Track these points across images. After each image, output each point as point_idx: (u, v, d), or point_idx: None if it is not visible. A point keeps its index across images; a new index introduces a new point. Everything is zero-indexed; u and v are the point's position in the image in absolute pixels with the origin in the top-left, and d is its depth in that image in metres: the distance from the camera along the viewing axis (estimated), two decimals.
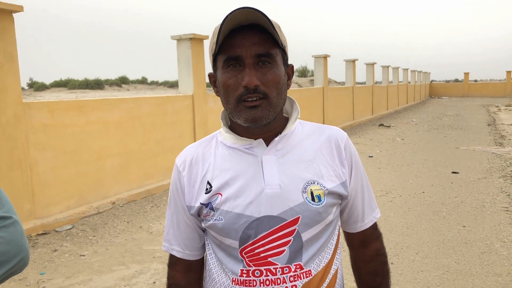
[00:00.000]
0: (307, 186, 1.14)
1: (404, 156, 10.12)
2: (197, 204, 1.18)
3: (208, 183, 1.18)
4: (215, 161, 1.20)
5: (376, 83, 23.04)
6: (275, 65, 1.13)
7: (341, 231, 1.31)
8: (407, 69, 30.74)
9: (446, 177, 7.75)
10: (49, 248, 4.77)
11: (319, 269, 1.15)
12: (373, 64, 21.61)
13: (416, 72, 34.89)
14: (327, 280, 1.17)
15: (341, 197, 1.21)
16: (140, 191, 6.81)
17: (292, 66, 1.25)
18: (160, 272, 4.07)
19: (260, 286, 1.12)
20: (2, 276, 1.02)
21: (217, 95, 1.23)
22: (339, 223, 1.27)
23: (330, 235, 1.19)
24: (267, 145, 1.18)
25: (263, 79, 1.11)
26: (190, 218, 1.23)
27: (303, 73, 39.51)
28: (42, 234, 5.18)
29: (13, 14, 5.04)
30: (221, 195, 1.15)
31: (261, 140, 1.18)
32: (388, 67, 25.18)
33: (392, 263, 4.14)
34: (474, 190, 6.80)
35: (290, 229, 1.12)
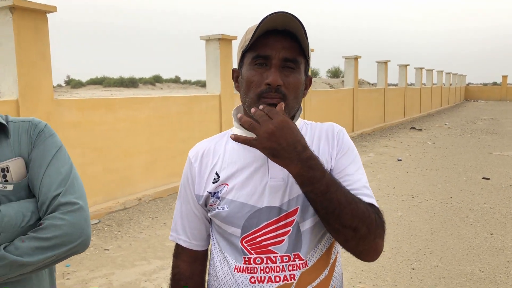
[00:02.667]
0: None
1: (434, 160, 9.92)
2: (205, 193, 1.26)
3: (216, 173, 1.25)
4: (224, 154, 1.28)
5: (409, 85, 22.66)
6: (298, 71, 1.20)
7: None
8: (441, 71, 30.06)
9: (476, 182, 7.56)
10: None
11: (317, 260, 1.20)
12: (406, 65, 21.24)
13: (451, 75, 34.07)
14: (325, 271, 1.21)
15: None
16: (166, 188, 6.93)
17: (311, 78, 1.31)
18: None
19: (260, 273, 1.17)
20: (64, 254, 1.17)
21: (237, 90, 1.30)
22: None
23: None
24: None
25: (286, 81, 1.18)
26: (198, 208, 1.30)
27: (336, 74, 39.20)
28: None
29: (46, 14, 5.22)
30: (227, 185, 1.22)
31: None
32: (421, 69, 24.71)
33: (413, 268, 4.08)
34: (505, 197, 6.60)
35: (290, 220, 1.18)
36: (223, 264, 1.24)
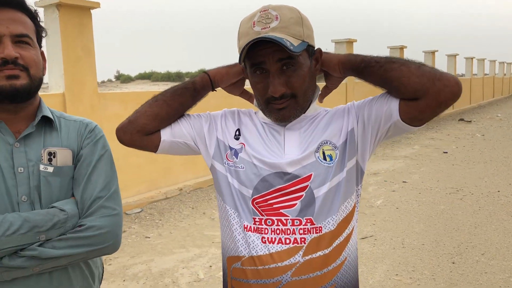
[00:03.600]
0: (320, 146, 1.25)
1: (482, 152, 9.54)
2: (226, 143, 1.34)
3: (238, 130, 1.35)
4: (248, 124, 1.37)
5: (459, 75, 21.82)
6: (298, 67, 1.22)
7: (359, 199, 1.35)
8: (494, 61, 28.74)
9: None
10: None
11: (331, 228, 1.22)
12: (455, 55, 20.46)
13: (505, 64, 32.49)
14: (338, 241, 1.23)
15: (353, 151, 1.27)
16: (207, 179, 7.04)
17: (320, 50, 1.32)
18: (217, 256, 4.22)
19: (271, 234, 1.21)
20: (95, 253, 1.27)
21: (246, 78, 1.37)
22: (358, 193, 1.32)
23: (344, 196, 1.25)
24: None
25: (289, 83, 1.21)
26: (199, 132, 1.39)
27: None
28: None
29: (90, 10, 5.41)
30: (244, 145, 1.30)
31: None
32: (472, 58, 23.71)
33: (453, 263, 3.97)
34: None
35: (303, 185, 1.22)
36: (236, 223, 1.27)
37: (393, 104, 1.21)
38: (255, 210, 1.24)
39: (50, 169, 1.26)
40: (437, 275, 3.74)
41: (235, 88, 1.43)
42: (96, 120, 5.49)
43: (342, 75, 1.31)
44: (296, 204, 1.21)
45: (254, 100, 1.36)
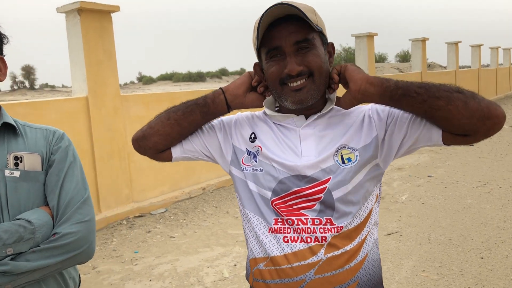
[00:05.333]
0: (338, 150, 1.24)
1: (510, 144, 9.31)
2: (242, 147, 1.35)
3: (254, 133, 1.35)
4: (263, 126, 1.37)
5: (484, 66, 21.32)
6: (314, 48, 1.23)
7: (379, 197, 1.35)
8: None
9: None
10: (144, 230, 5.18)
11: (350, 226, 1.22)
12: (479, 45, 20.00)
13: None
14: (359, 238, 1.23)
15: (374, 154, 1.25)
16: (229, 178, 7.04)
17: (332, 44, 1.34)
18: (241, 255, 4.23)
19: (293, 233, 1.22)
20: (69, 263, 1.25)
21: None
22: (378, 190, 1.32)
23: (364, 196, 1.25)
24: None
25: (305, 62, 1.22)
26: (213, 139, 1.40)
27: (405, 58, 37.73)
28: (139, 216, 5.63)
29: (111, 14, 5.48)
30: (261, 148, 1.30)
31: (302, 116, 1.31)
32: (497, 48, 23.13)
33: (482, 258, 3.89)
34: None
35: (321, 187, 1.22)
36: (259, 224, 1.28)
37: (435, 131, 1.17)
38: (275, 211, 1.25)
39: (17, 173, 1.23)
40: (465, 270, 3.67)
41: (257, 99, 1.36)
42: (119, 122, 5.61)
43: (358, 96, 1.19)
44: (315, 205, 1.22)
45: (265, 100, 1.36)
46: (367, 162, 1.25)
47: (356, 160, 1.23)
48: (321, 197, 1.21)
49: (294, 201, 1.23)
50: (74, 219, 1.25)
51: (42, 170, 1.29)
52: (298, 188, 1.23)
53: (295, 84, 1.22)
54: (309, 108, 1.29)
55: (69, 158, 1.33)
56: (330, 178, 1.22)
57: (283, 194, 1.24)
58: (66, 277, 1.34)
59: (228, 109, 1.35)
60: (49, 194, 1.28)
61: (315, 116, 1.29)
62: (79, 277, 1.45)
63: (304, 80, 1.22)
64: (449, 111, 1.08)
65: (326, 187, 1.21)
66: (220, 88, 1.37)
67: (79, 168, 1.35)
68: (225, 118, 1.45)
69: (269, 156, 1.28)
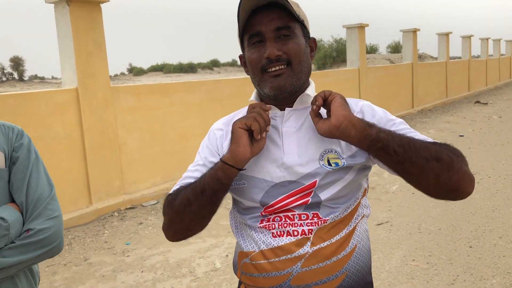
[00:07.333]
0: (324, 154, 1.22)
1: (500, 135, 9.40)
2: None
3: None
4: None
5: (475, 57, 21.45)
6: (294, 36, 1.23)
7: (367, 190, 1.35)
8: (510, 41, 28.15)
9: None
10: (135, 221, 5.18)
11: (337, 219, 1.22)
12: (469, 36, 20.09)
13: None
14: (346, 230, 1.23)
15: (363, 155, 1.22)
16: None
17: (314, 39, 1.33)
18: (233, 246, 4.25)
19: (279, 228, 1.21)
20: (43, 257, 1.28)
21: (248, 74, 1.33)
22: (365, 184, 1.32)
23: (351, 192, 1.25)
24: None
25: (285, 49, 1.21)
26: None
27: (396, 49, 37.73)
28: (130, 208, 5.63)
29: (100, 4, 5.43)
30: None
31: (283, 112, 1.28)
32: (487, 39, 23.27)
33: (470, 247, 3.94)
34: None
35: (308, 191, 1.21)
36: (244, 220, 1.29)
37: None
38: (263, 214, 1.25)
39: None
40: (454, 259, 3.72)
41: (258, 145, 1.19)
42: (110, 113, 5.59)
43: (336, 132, 1.12)
44: (302, 207, 1.21)
45: (252, 95, 1.35)
46: (356, 162, 1.23)
47: (343, 164, 1.21)
48: (309, 200, 1.20)
49: (282, 203, 1.22)
50: (45, 215, 1.28)
51: (6, 167, 1.29)
52: (285, 195, 1.21)
53: (273, 69, 1.21)
54: (291, 101, 1.26)
55: (32, 155, 1.34)
56: (316, 181, 1.20)
57: (271, 203, 1.22)
58: (34, 272, 1.39)
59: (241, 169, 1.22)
60: (16, 191, 1.29)
61: (289, 109, 1.26)
62: (39, 274, 1.48)
63: (283, 66, 1.21)
64: (419, 180, 1.14)
65: (312, 191, 1.20)
66: (226, 163, 1.17)
67: (41, 165, 1.36)
68: (203, 141, 1.39)
69: (251, 168, 1.24)
